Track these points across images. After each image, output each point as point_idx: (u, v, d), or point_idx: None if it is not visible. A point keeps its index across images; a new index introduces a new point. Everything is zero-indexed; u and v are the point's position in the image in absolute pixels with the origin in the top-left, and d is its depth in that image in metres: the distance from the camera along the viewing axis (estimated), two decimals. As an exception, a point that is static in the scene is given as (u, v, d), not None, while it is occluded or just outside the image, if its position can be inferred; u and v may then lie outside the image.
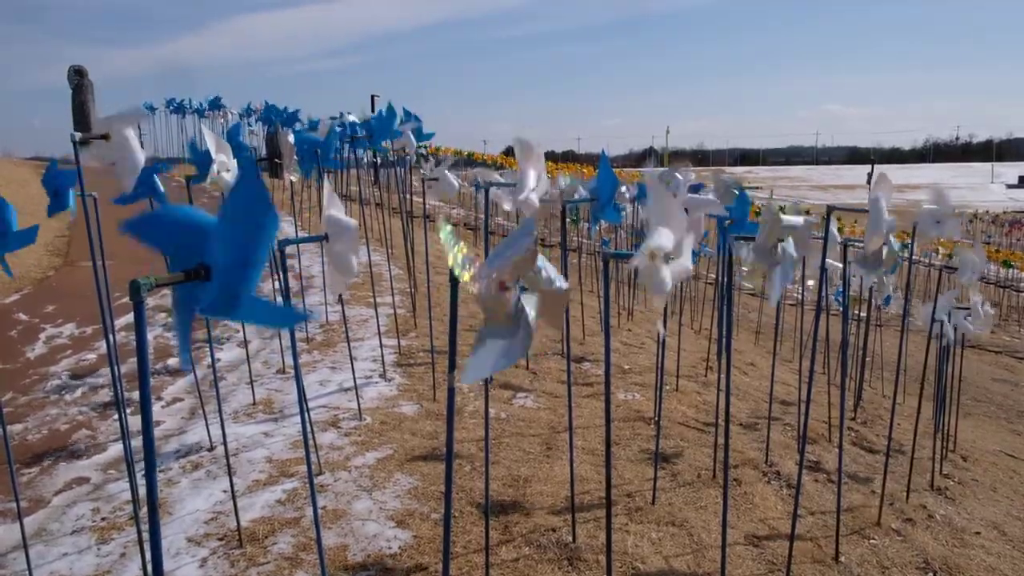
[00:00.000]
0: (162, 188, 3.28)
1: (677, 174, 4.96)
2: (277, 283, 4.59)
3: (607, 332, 2.24)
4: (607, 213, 3.38)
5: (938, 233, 3.72)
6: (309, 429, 3.42)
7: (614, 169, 3.53)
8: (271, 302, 1.36)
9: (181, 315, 1.33)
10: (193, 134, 16.31)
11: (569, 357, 3.27)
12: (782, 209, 2.98)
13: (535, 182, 2.97)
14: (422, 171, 5.85)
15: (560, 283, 1.46)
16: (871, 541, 3.46)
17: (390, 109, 5.87)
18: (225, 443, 3.21)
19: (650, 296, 1.88)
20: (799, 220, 2.87)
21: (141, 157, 2.70)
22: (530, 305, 1.42)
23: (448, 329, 1.66)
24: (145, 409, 1.25)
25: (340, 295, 5.58)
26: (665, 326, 4.13)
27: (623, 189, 6.13)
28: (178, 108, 16.35)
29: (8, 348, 5.72)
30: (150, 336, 5.85)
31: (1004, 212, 40.13)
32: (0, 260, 2.59)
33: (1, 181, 12.93)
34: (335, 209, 2.54)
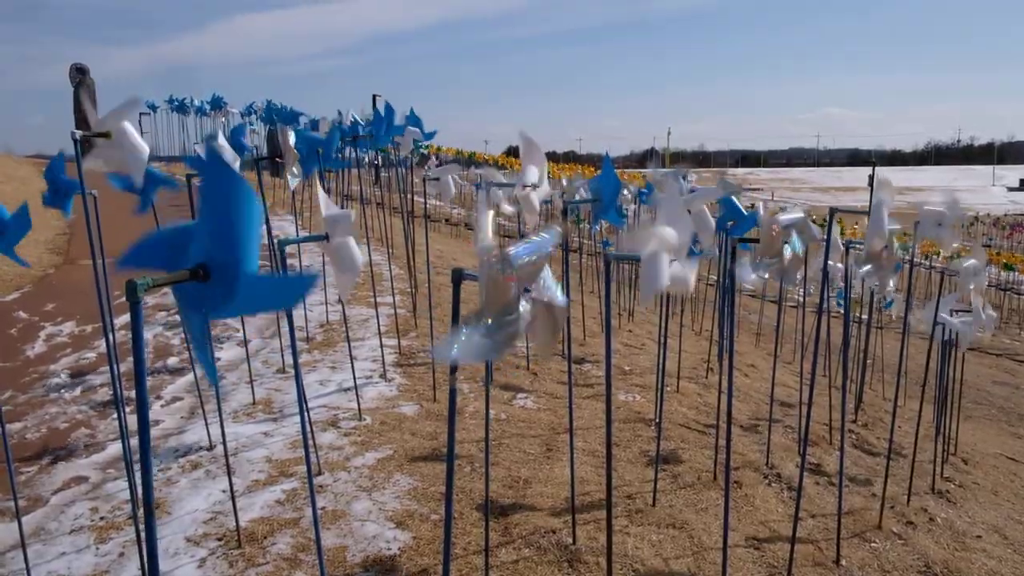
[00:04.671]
0: (154, 196, 3.23)
1: (680, 178, 4.95)
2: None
3: (608, 333, 2.24)
4: (610, 216, 3.38)
5: (938, 235, 3.71)
6: (309, 429, 3.41)
7: (616, 169, 3.53)
8: (274, 277, 1.32)
9: (194, 327, 1.32)
10: (195, 133, 16.32)
11: (570, 358, 3.26)
12: (782, 209, 2.97)
13: (535, 179, 2.96)
14: (425, 170, 5.85)
15: (559, 299, 1.45)
16: (872, 544, 3.45)
17: (388, 108, 5.85)
18: (224, 443, 3.20)
19: (642, 284, 1.87)
20: (798, 214, 2.86)
21: (145, 148, 2.69)
22: (527, 312, 1.41)
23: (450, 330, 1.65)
24: (141, 410, 1.24)
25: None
26: (665, 328, 4.12)
27: (625, 192, 6.12)
28: (180, 107, 16.36)
29: (8, 346, 5.71)
30: (150, 335, 5.85)
31: (1005, 215, 40.11)
32: (10, 254, 2.58)
33: (2, 178, 12.93)
34: (330, 209, 2.53)
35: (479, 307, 1.39)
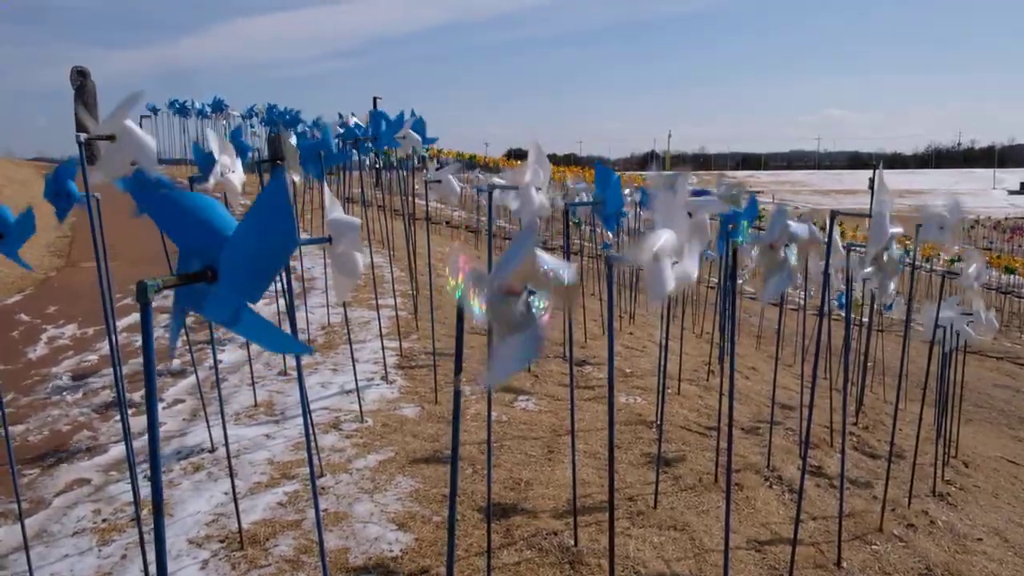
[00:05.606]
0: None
1: (680, 179, 4.94)
2: (280, 284, 4.59)
3: (611, 336, 2.24)
4: (610, 224, 3.42)
5: (939, 238, 3.72)
6: (311, 431, 3.41)
7: (616, 171, 3.55)
8: (273, 325, 1.36)
9: (176, 308, 1.34)
10: (196, 135, 16.35)
11: (571, 360, 3.27)
12: (801, 215, 2.97)
13: (538, 179, 2.97)
14: (425, 173, 5.86)
15: (566, 275, 1.45)
16: (873, 547, 3.45)
17: (399, 116, 5.86)
18: (227, 445, 3.21)
19: (648, 291, 1.87)
20: (803, 230, 2.86)
21: (152, 141, 2.69)
22: (539, 303, 1.42)
23: (455, 332, 1.65)
24: (151, 411, 1.25)
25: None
26: (667, 331, 4.13)
27: (626, 193, 6.13)
28: (181, 109, 16.37)
29: (10, 349, 5.72)
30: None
31: (1006, 218, 40.15)
32: (14, 257, 2.59)
33: (3, 181, 12.95)
34: (336, 212, 2.55)
35: (494, 272, 1.40)
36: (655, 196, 1.96)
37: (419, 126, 5.92)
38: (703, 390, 5.61)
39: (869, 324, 6.75)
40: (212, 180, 3.32)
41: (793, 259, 2.82)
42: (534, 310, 1.43)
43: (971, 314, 4.50)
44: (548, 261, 1.41)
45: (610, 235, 8.69)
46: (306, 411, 2.56)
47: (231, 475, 3.14)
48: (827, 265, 3.32)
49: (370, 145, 6.21)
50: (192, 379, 4.90)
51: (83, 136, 2.61)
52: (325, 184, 3.18)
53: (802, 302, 7.30)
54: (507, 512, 3.30)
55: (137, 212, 2.95)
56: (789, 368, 7.71)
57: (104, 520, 3.23)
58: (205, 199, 1.34)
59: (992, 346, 13.18)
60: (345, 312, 5.06)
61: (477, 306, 1.42)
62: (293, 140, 4.88)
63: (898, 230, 2.97)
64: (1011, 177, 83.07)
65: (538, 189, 2.95)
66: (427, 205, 6.52)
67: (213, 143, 3.26)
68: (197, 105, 16.20)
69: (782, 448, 4.52)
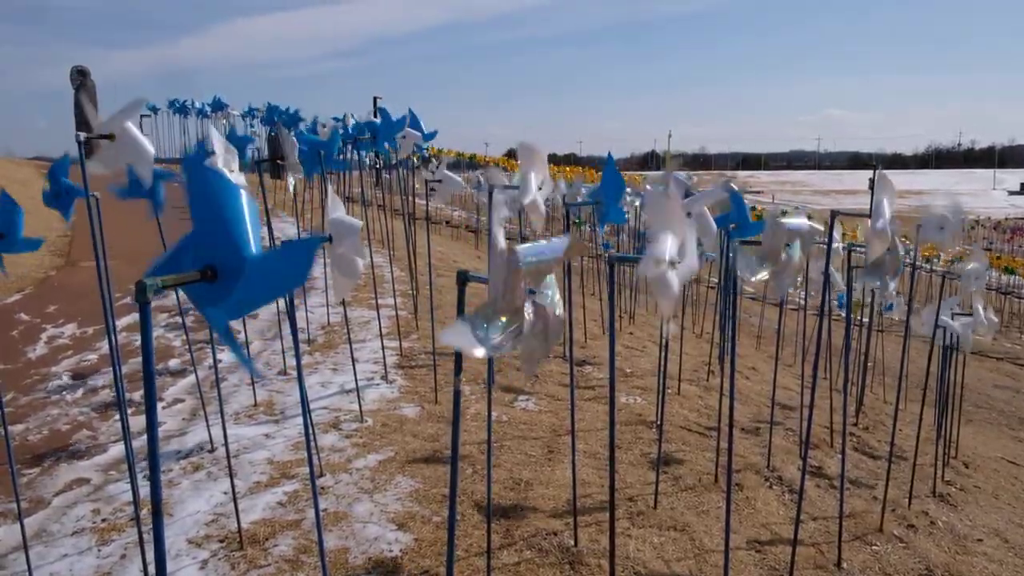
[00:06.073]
0: (163, 195, 3.26)
1: (675, 176, 4.93)
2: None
3: (611, 335, 2.24)
4: (611, 214, 3.40)
5: (940, 238, 3.71)
6: (311, 431, 3.41)
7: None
8: (276, 249, 1.35)
9: (218, 325, 1.34)
10: (195, 135, 16.34)
11: (572, 360, 3.26)
12: (784, 213, 2.97)
13: (539, 185, 2.97)
14: (425, 173, 5.85)
15: (556, 310, 1.46)
16: (873, 547, 3.45)
17: (412, 115, 5.86)
18: (226, 444, 3.21)
19: (659, 301, 1.87)
20: (804, 224, 2.85)
21: (151, 147, 2.68)
22: (548, 294, 1.42)
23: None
24: (150, 411, 1.24)
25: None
26: (669, 327, 4.13)
27: (627, 191, 6.12)
28: (181, 109, 16.36)
29: (9, 348, 5.72)
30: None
31: (1006, 219, 40.17)
32: (21, 246, 2.59)
33: (3, 181, 12.94)
34: (338, 211, 2.55)
35: (488, 304, 1.40)
36: (649, 197, 1.96)
37: (416, 124, 5.91)
38: (703, 390, 5.60)
39: (869, 324, 6.75)
40: None
41: (796, 255, 2.81)
42: (542, 302, 1.42)
43: (969, 314, 4.49)
44: (533, 252, 1.40)
45: (600, 234, 8.71)
46: (306, 411, 2.56)
47: (231, 475, 3.14)
48: (827, 265, 3.32)
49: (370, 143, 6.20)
50: (191, 378, 4.89)
51: (83, 135, 2.61)
52: (329, 184, 3.18)
53: (802, 302, 7.30)
54: (507, 512, 3.30)
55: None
56: (789, 368, 7.70)
57: (103, 520, 3.23)
58: (245, 199, 1.35)
59: (992, 346, 13.18)
60: (345, 312, 5.06)
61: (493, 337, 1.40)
62: (294, 141, 4.86)
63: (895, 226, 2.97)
64: (1011, 177, 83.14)
65: (539, 188, 2.95)
66: (427, 205, 6.51)
67: (216, 144, 3.25)
68: (197, 105, 16.20)
69: (782, 448, 4.52)
